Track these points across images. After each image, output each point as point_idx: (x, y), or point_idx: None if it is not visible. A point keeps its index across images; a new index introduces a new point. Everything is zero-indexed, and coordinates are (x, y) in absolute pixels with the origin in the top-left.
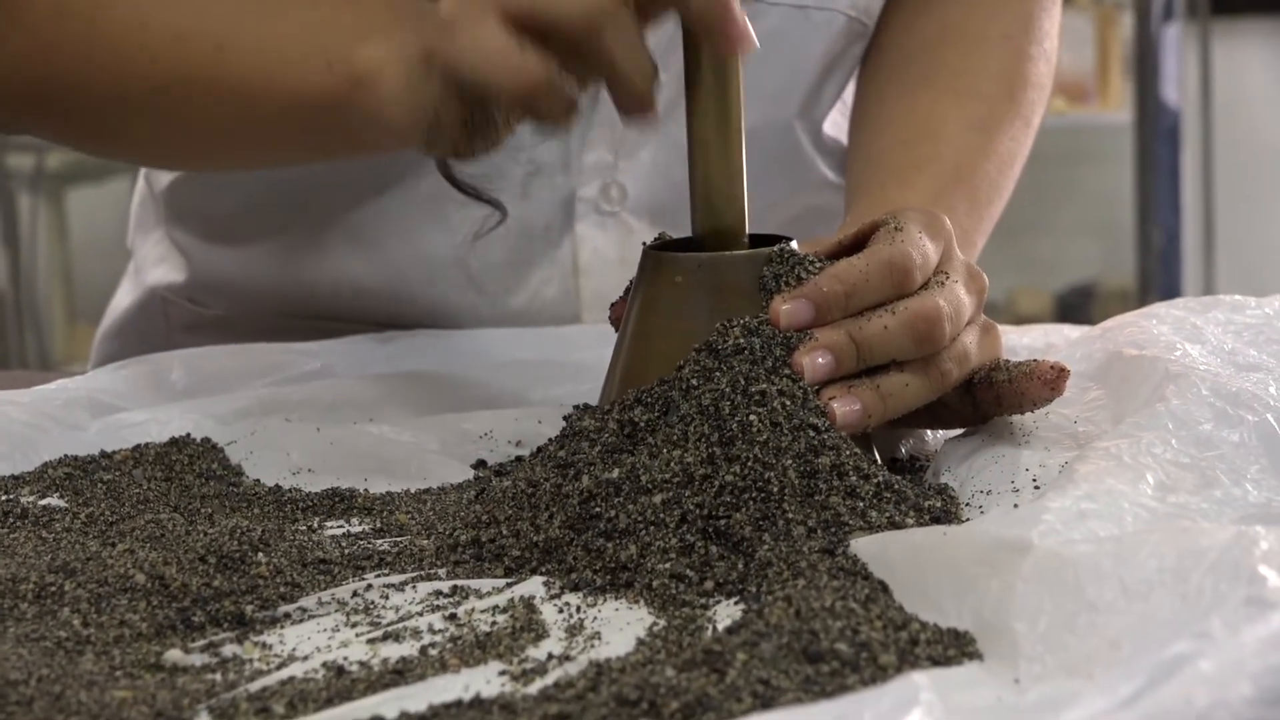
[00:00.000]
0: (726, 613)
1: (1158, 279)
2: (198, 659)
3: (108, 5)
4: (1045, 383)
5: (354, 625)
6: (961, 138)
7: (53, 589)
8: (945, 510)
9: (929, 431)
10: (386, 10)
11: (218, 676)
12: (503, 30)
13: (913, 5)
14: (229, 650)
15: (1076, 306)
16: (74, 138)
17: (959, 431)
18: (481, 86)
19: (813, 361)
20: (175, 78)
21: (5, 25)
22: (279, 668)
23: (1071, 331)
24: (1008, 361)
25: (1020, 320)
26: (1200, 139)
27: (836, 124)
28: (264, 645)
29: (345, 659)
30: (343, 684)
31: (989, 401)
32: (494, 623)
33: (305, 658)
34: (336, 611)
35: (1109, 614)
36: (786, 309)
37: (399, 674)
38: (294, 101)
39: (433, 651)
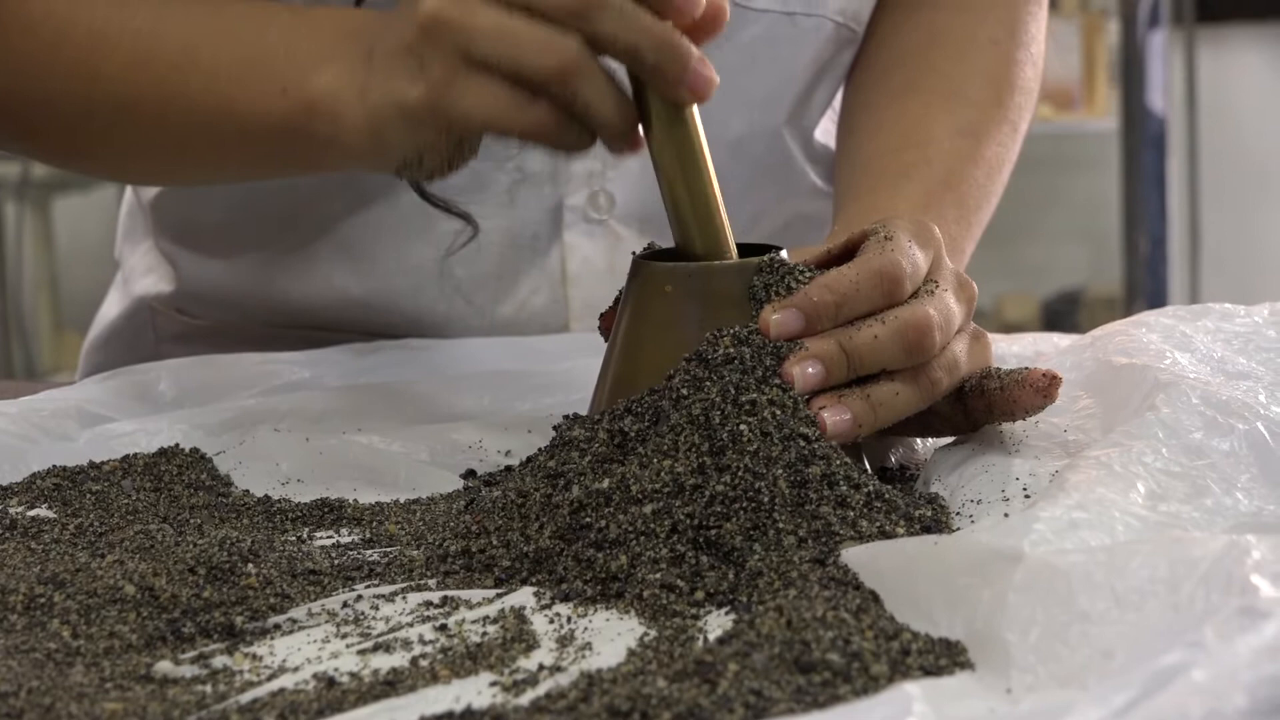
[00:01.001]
0: (717, 623)
1: (1144, 285)
2: (188, 670)
3: (71, 24)
4: (1038, 390)
5: (344, 636)
6: (950, 143)
7: (42, 600)
8: (935, 520)
9: (919, 440)
10: (340, 36)
11: (208, 688)
12: (498, 83)
13: (900, 11)
14: (219, 662)
15: (1063, 313)
16: (45, 153)
17: (949, 440)
18: (499, 135)
19: (803, 371)
20: (136, 97)
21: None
22: (269, 679)
23: (1061, 340)
24: (999, 369)
25: (1007, 327)
26: (1186, 146)
27: (827, 131)
28: (254, 656)
29: (336, 670)
30: (333, 695)
31: (980, 409)
32: (484, 633)
33: (296, 669)
34: (327, 622)
35: (1101, 624)
36: (776, 318)
37: (390, 685)
38: (252, 124)
39: (423, 662)
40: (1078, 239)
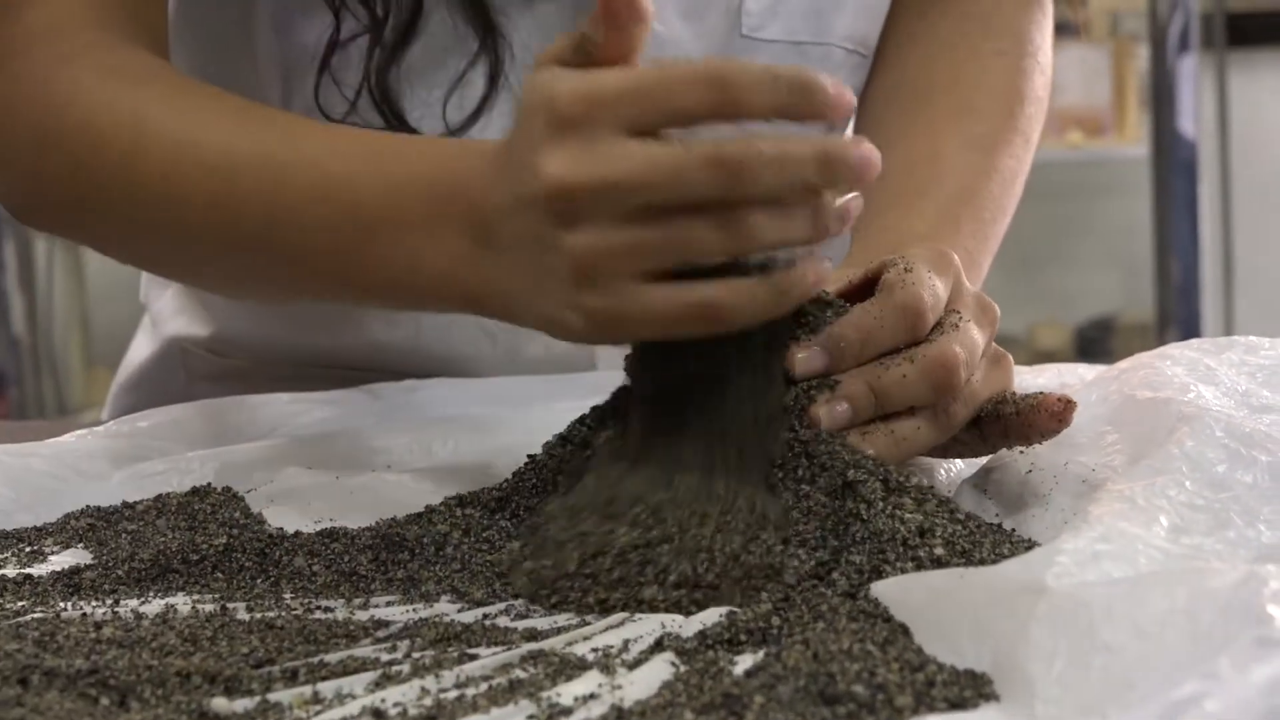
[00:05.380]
0: (747, 655)
1: (1177, 312)
2: (241, 705)
3: (143, 151)
4: (1052, 414)
5: (391, 671)
6: (962, 158)
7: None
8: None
9: (941, 470)
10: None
11: None
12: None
13: (906, 29)
14: (273, 698)
15: (1096, 340)
16: (114, 255)
17: (973, 470)
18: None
19: (830, 411)
20: (207, 239)
21: (46, 145)
22: (319, 714)
23: (1086, 372)
24: (1014, 393)
25: (1040, 355)
26: (1218, 171)
27: None
28: (304, 695)
29: (382, 701)
30: None
31: (996, 434)
32: (526, 666)
33: (343, 703)
34: (374, 658)
35: (1123, 654)
36: (802, 357)
37: (432, 719)
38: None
39: (467, 694)
40: (1110, 266)
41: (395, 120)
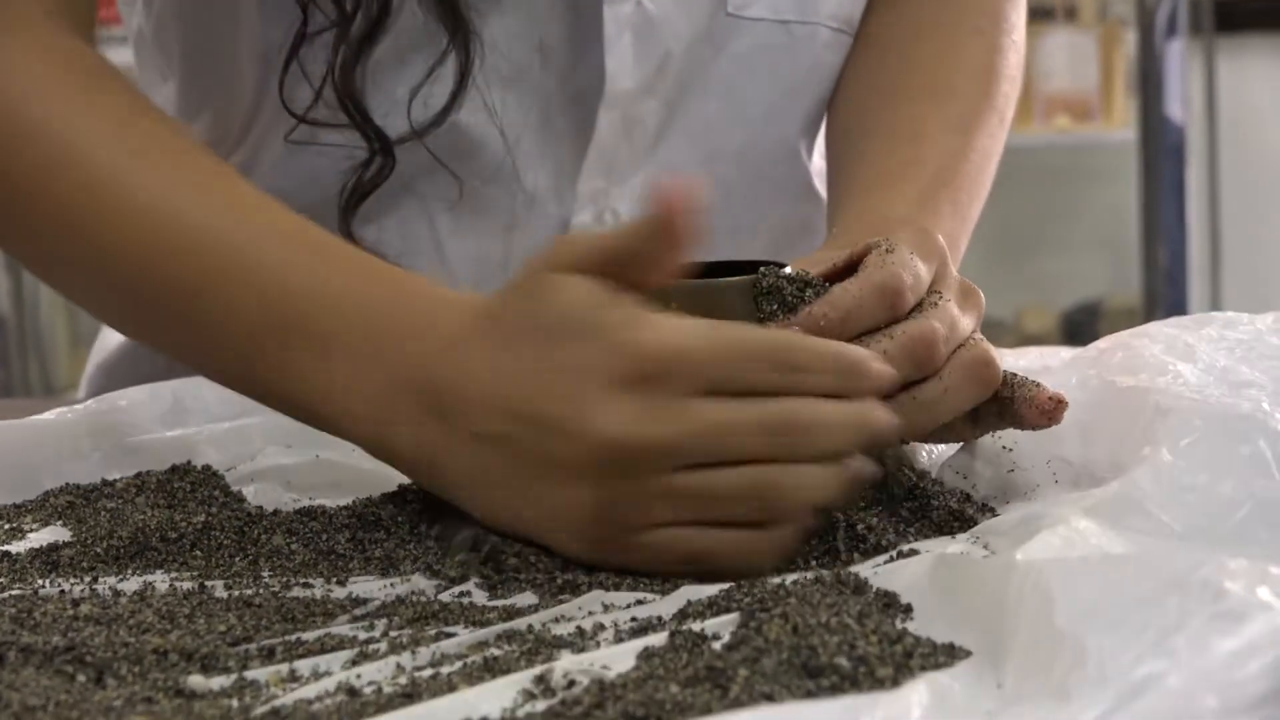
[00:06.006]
0: (725, 629)
1: (1164, 296)
2: (217, 682)
3: (79, 178)
4: (1043, 412)
5: (367, 649)
6: (942, 139)
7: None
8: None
9: (923, 453)
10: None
11: (234, 702)
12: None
13: (885, 6)
14: (249, 675)
15: (1083, 325)
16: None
17: (952, 452)
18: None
19: None
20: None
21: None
22: (294, 691)
23: (1068, 354)
24: (1012, 375)
25: (1027, 339)
26: (1205, 156)
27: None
28: (280, 673)
29: (358, 677)
30: (354, 706)
31: (990, 415)
32: (501, 644)
33: (319, 679)
34: (353, 636)
35: (1087, 633)
36: None
37: (409, 696)
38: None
39: (443, 672)
40: (1097, 250)
41: (359, 116)
